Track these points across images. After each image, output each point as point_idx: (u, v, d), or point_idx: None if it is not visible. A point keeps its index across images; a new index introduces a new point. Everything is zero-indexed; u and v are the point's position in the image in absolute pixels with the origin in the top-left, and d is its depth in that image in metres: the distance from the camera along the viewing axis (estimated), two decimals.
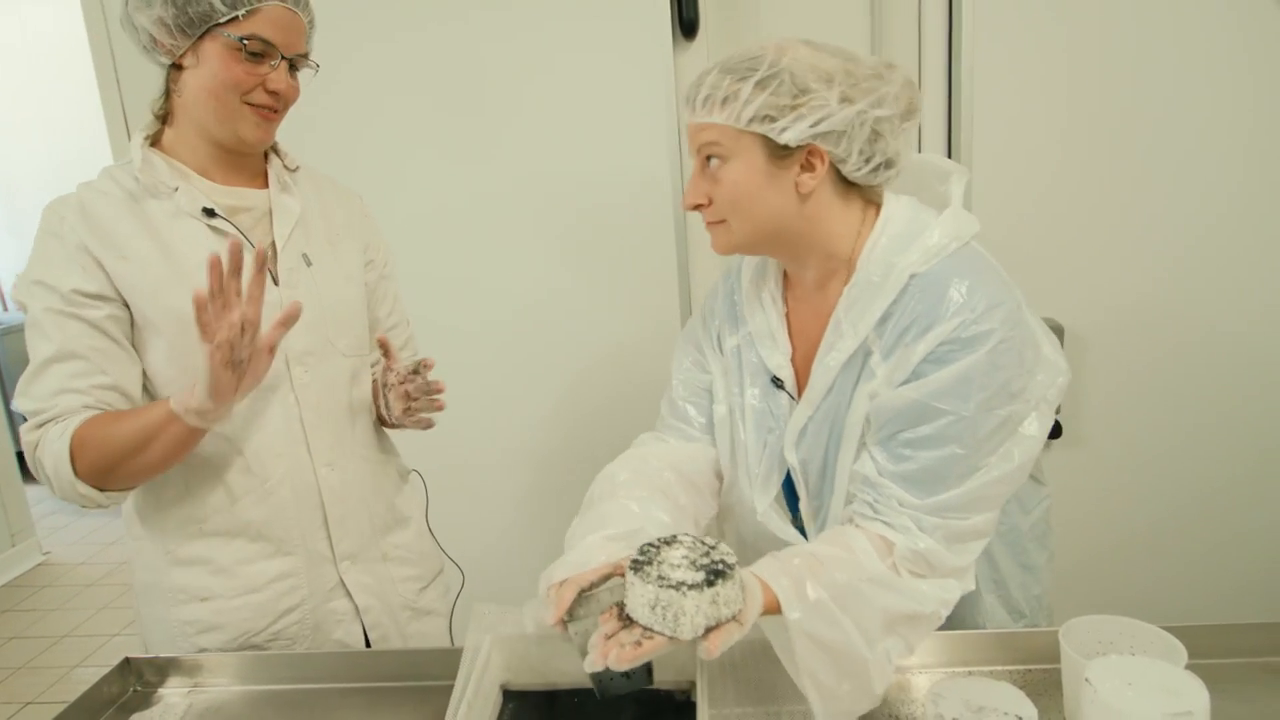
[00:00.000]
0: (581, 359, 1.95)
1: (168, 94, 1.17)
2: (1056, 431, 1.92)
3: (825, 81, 0.97)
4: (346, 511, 1.26)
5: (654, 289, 1.88)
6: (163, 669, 1.17)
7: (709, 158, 1.02)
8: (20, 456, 4.20)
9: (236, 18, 1.08)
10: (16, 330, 4.71)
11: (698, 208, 1.05)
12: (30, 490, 4.03)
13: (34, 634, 3.20)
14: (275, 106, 1.16)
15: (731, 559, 0.84)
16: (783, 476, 1.11)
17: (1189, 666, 0.85)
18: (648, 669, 0.89)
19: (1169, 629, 0.93)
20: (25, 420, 1.12)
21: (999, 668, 1.05)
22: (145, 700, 1.14)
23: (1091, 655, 0.91)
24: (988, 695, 0.87)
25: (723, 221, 1.03)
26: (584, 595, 0.85)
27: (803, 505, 1.11)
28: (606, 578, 0.86)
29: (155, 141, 1.19)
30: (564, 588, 0.85)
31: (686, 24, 1.80)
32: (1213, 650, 0.99)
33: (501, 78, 1.83)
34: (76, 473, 1.07)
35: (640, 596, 0.79)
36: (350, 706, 1.10)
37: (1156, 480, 1.97)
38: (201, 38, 1.09)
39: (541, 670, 1.01)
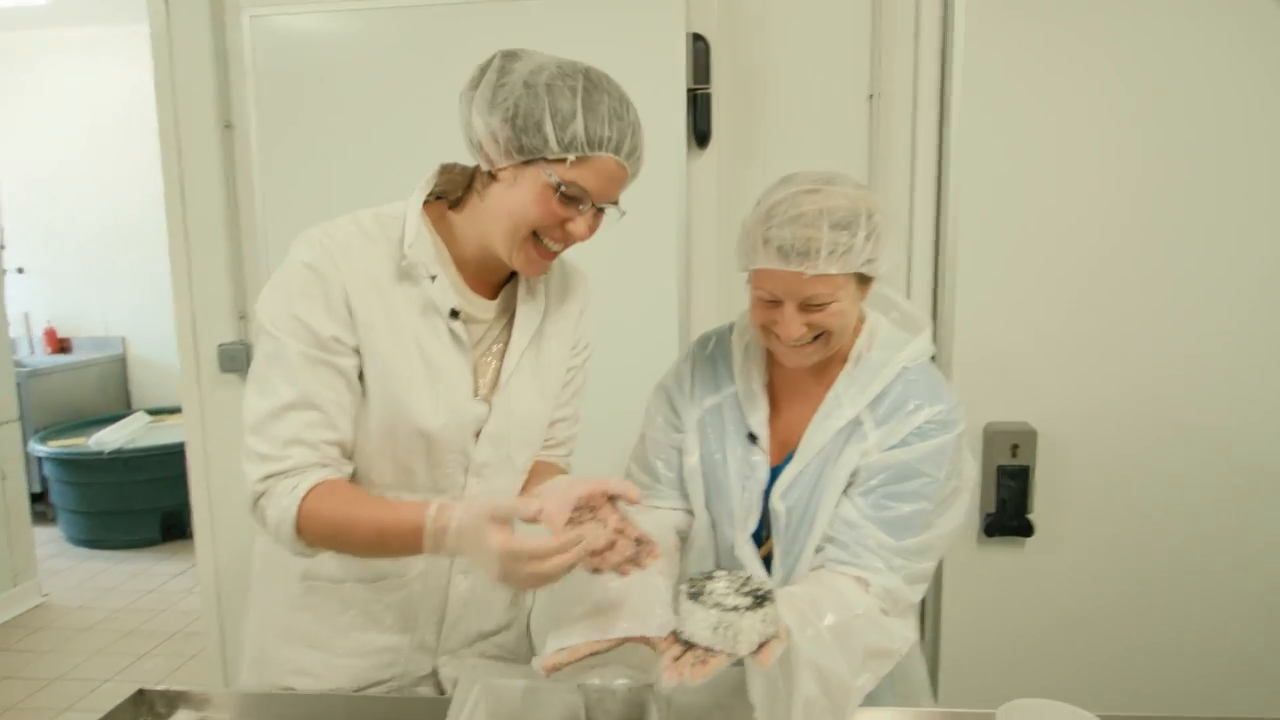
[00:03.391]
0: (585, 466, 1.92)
1: (470, 186, 1.16)
2: (1028, 530, 2.00)
3: (893, 217, 1.18)
4: (464, 615, 1.29)
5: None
6: (172, 701, 1.23)
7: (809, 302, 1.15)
8: (34, 497, 4.29)
9: (566, 160, 1.05)
10: (43, 373, 4.86)
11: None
12: (37, 531, 4.10)
13: (26, 675, 3.23)
14: (560, 249, 1.14)
15: (769, 585, 0.98)
16: (759, 519, 1.25)
17: None
18: None
19: (1103, 717, 1.01)
20: (253, 458, 1.10)
21: None
22: None
23: None
24: None
25: (818, 339, 1.18)
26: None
27: (776, 546, 1.24)
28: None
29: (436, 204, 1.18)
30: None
31: (700, 135, 1.97)
32: None
33: None
34: (299, 535, 1.08)
35: (702, 621, 0.92)
36: None
37: (1118, 580, 2.04)
38: (526, 164, 1.07)
39: None
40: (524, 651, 1.42)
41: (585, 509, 1.09)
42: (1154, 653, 2.06)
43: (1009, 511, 2.01)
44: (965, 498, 1.25)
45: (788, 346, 1.19)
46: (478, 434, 1.20)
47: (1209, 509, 2.00)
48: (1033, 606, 2.07)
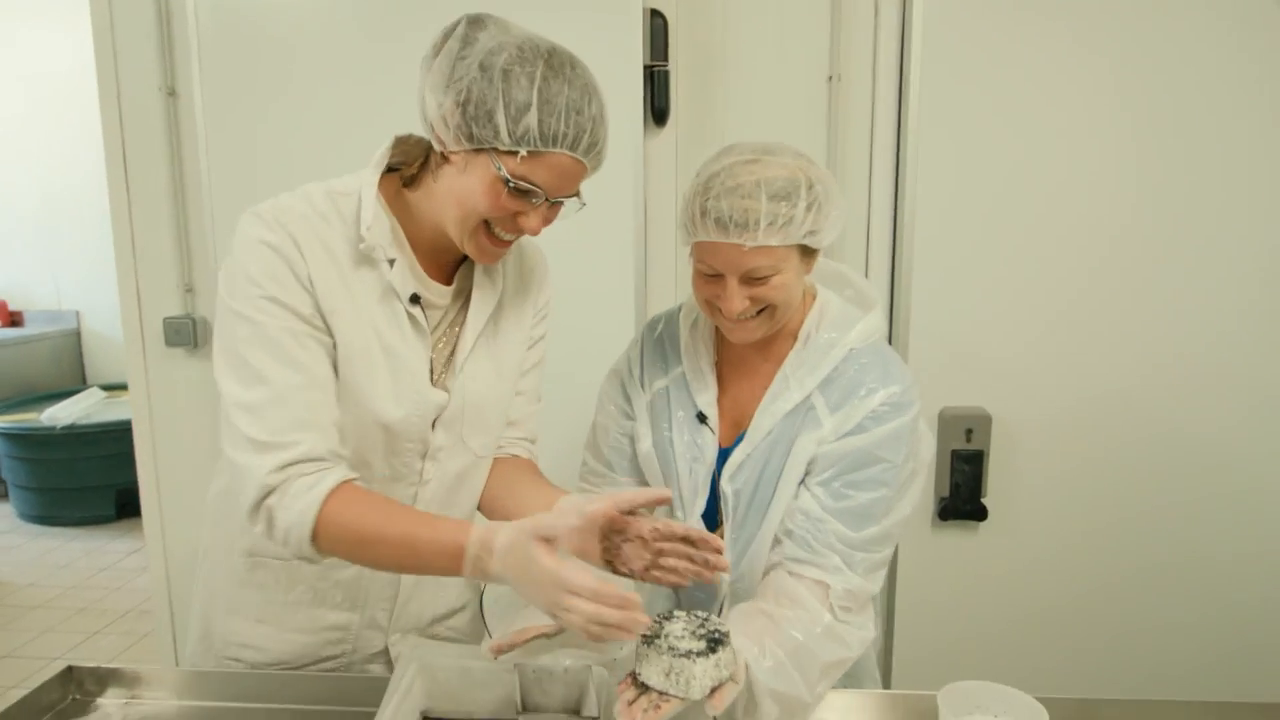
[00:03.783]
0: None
1: (426, 162, 1.10)
2: (982, 514, 2.02)
3: (836, 188, 1.15)
4: (415, 595, 1.27)
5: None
6: (103, 679, 1.21)
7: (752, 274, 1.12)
8: None
9: (517, 153, 0.99)
10: (6, 345, 4.76)
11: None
12: None
13: None
14: (513, 239, 1.09)
15: (725, 628, 0.98)
16: (706, 499, 1.24)
17: None
18: None
19: (1040, 699, 1.02)
20: (250, 448, 0.99)
21: None
22: (83, 709, 1.19)
23: (965, 717, 1.00)
24: None
25: (762, 313, 1.16)
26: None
27: (727, 532, 1.23)
28: None
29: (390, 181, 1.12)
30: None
31: (658, 112, 1.95)
32: None
33: None
34: (315, 544, 0.99)
35: (655, 666, 0.91)
36: None
37: (1071, 567, 2.06)
38: (477, 151, 1.00)
39: (460, 700, 1.08)
40: (477, 634, 1.40)
41: (614, 534, 1.06)
42: (1107, 638, 2.08)
43: (963, 495, 2.02)
44: (922, 479, 1.23)
45: (732, 321, 1.17)
46: (434, 420, 1.17)
47: (1164, 497, 2.02)
48: (986, 590, 2.09)
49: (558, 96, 0.98)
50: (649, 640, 0.93)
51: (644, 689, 0.92)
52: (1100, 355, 1.98)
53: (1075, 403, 2.00)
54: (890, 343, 1.98)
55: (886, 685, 2.09)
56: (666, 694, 0.90)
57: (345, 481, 1.01)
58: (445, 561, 0.97)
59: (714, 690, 0.92)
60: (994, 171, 1.94)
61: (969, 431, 2.00)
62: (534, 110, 0.97)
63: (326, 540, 0.99)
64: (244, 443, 1.00)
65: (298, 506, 0.97)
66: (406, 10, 1.90)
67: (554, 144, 0.99)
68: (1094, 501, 2.03)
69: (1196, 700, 1.14)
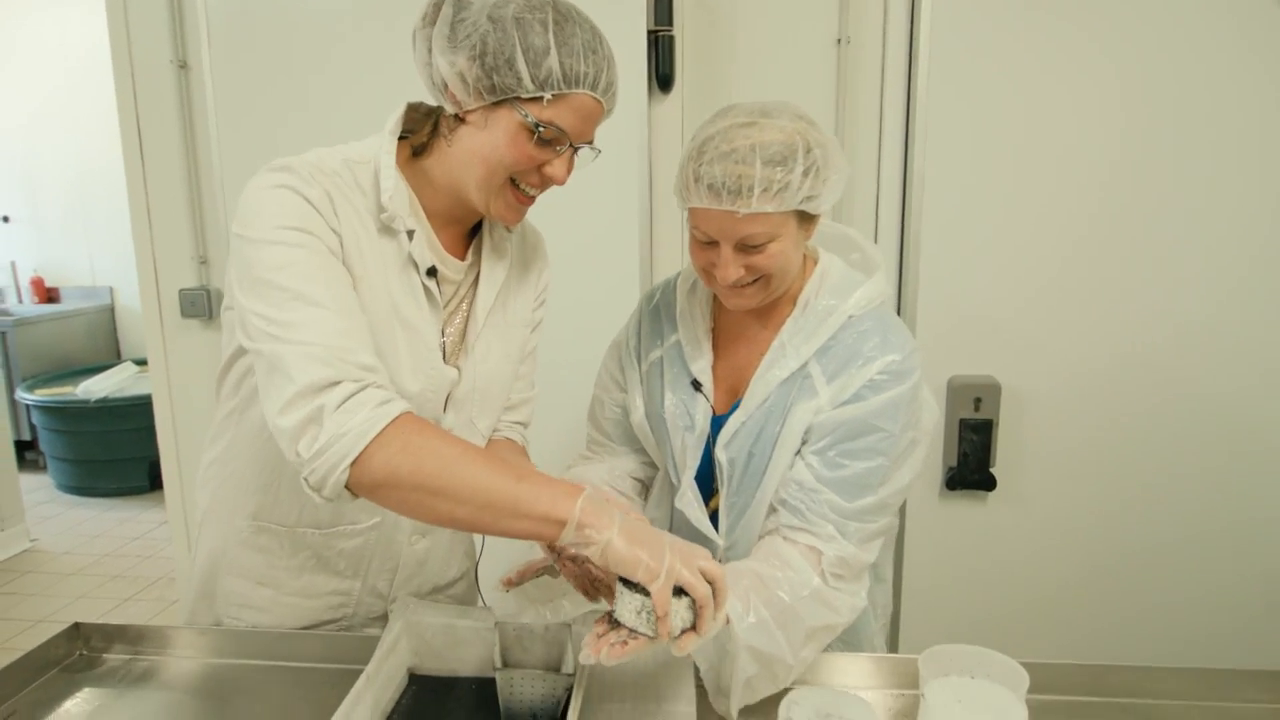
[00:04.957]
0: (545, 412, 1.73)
1: (435, 129, 1.10)
2: (991, 484, 2.00)
3: (838, 151, 1.12)
4: (417, 571, 1.29)
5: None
6: (110, 635, 1.24)
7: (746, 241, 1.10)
8: (18, 445, 4.32)
9: (541, 98, 1.00)
10: (30, 322, 4.87)
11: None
12: (29, 478, 4.14)
13: (10, 617, 3.29)
14: (537, 194, 1.10)
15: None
16: (697, 466, 1.24)
17: (1038, 700, 0.93)
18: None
19: (1028, 664, 1.01)
20: (293, 351, 0.90)
21: (875, 690, 1.13)
22: (90, 664, 1.22)
23: (941, 677, 0.99)
24: (836, 705, 0.96)
25: (758, 281, 1.14)
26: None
27: (722, 499, 1.22)
28: None
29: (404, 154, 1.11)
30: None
31: (662, 78, 1.93)
32: (1059, 686, 1.09)
33: None
34: (357, 469, 0.88)
35: (628, 604, 0.91)
36: (277, 683, 1.18)
37: (1080, 537, 2.05)
38: (498, 104, 1.01)
39: (445, 658, 1.10)
40: (472, 600, 1.44)
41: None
42: (1117, 608, 2.07)
43: (971, 465, 2.01)
44: (923, 448, 1.21)
45: (727, 288, 1.15)
46: (446, 398, 1.17)
47: (1176, 466, 1.99)
48: (994, 560, 2.08)
49: (573, 38, 0.99)
50: (627, 580, 0.94)
51: (616, 625, 0.92)
52: (1111, 323, 1.95)
53: (1086, 372, 1.97)
54: (899, 310, 1.98)
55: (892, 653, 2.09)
56: (636, 631, 0.90)
57: (412, 413, 0.94)
58: (544, 526, 0.90)
59: (683, 633, 0.92)
60: (1004, 137, 1.91)
61: (978, 400, 1.98)
62: (553, 53, 0.98)
63: (376, 466, 0.88)
64: (285, 340, 0.93)
65: (361, 414, 0.88)
66: None
67: (577, 84, 1.00)
68: (1104, 471, 2.01)
69: (1190, 667, 1.12)
